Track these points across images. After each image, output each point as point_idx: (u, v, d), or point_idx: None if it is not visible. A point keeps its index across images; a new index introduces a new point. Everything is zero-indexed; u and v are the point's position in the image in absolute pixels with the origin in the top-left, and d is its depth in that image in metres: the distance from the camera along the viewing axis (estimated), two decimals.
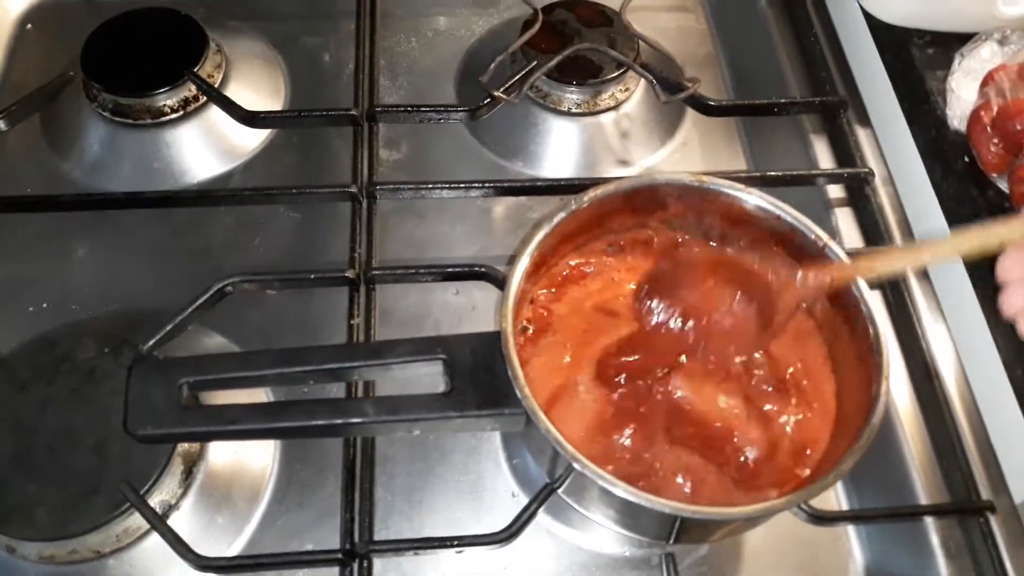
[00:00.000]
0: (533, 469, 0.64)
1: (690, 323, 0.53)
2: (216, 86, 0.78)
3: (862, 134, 0.77)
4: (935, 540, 0.60)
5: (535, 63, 0.76)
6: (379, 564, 0.59)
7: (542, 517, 0.62)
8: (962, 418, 0.63)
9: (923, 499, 0.62)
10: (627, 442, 0.53)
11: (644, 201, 0.58)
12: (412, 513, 0.63)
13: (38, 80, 0.79)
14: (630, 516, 0.54)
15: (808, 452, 0.54)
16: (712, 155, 0.82)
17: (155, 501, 0.58)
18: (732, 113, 0.80)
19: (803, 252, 0.56)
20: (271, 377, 0.51)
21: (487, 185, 0.71)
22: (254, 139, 0.80)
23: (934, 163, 0.70)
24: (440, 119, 0.76)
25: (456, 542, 0.56)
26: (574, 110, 0.80)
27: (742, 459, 0.54)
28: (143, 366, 0.50)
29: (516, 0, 0.81)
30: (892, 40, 0.75)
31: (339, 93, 0.82)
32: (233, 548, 0.61)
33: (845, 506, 0.66)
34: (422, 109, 0.75)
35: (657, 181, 0.57)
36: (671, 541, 0.56)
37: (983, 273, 0.63)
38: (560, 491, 0.55)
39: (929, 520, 0.61)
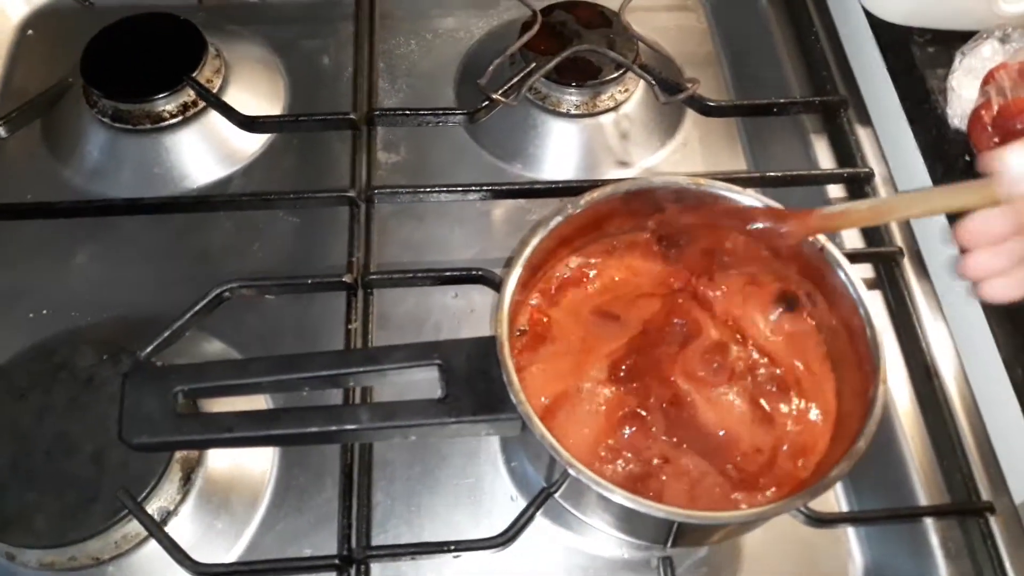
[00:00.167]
0: (531, 473, 0.64)
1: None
2: (215, 91, 0.78)
3: (863, 133, 0.77)
4: (935, 541, 0.60)
5: (534, 65, 0.76)
6: (377, 569, 0.59)
7: (540, 521, 0.61)
8: (962, 418, 0.63)
9: (923, 500, 0.61)
10: (628, 445, 0.53)
11: (641, 204, 0.58)
12: (411, 517, 0.63)
13: (39, 86, 0.80)
14: (626, 520, 0.54)
15: (809, 453, 0.54)
16: (712, 155, 0.82)
17: (154, 507, 0.58)
18: (731, 114, 0.80)
19: (800, 253, 0.56)
20: (266, 384, 0.51)
21: (485, 188, 0.71)
22: (254, 143, 0.80)
23: (935, 162, 0.69)
24: (439, 122, 0.76)
25: (453, 547, 0.56)
26: (573, 111, 0.79)
27: (743, 461, 0.53)
28: (138, 375, 0.50)
29: (516, 2, 0.81)
30: (893, 39, 0.75)
31: (339, 96, 0.83)
32: (232, 553, 0.61)
33: (845, 507, 0.66)
34: (420, 112, 0.75)
35: (653, 184, 0.57)
36: (668, 544, 0.57)
37: None
38: (557, 495, 0.55)
39: (929, 521, 0.61)
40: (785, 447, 0.54)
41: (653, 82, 0.74)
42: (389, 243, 0.74)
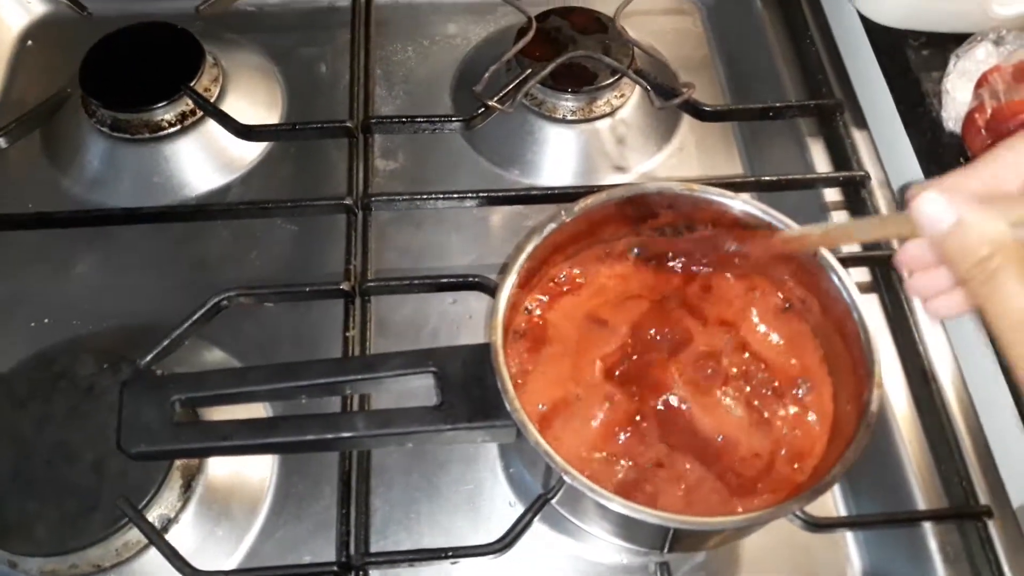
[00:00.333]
0: (530, 479, 0.64)
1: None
2: (213, 99, 0.78)
3: (858, 137, 0.77)
4: (933, 545, 0.60)
5: (529, 71, 0.76)
6: (376, 575, 0.59)
7: (539, 526, 0.62)
8: (960, 422, 0.63)
9: (921, 504, 0.61)
10: (624, 451, 0.54)
11: (635, 209, 0.58)
12: (410, 523, 0.63)
13: (39, 96, 0.80)
14: (622, 526, 0.54)
15: (807, 457, 0.54)
16: (709, 159, 0.82)
17: (155, 515, 0.59)
18: (726, 118, 0.80)
19: (794, 257, 0.56)
20: (263, 393, 0.52)
21: (481, 195, 0.71)
22: (252, 151, 0.80)
23: (930, 165, 0.69)
24: (435, 129, 0.76)
25: (451, 553, 0.57)
26: (570, 117, 0.80)
27: (742, 466, 0.54)
28: (136, 384, 0.51)
29: (512, 8, 0.81)
30: (888, 42, 0.75)
31: (336, 103, 0.83)
32: (232, 560, 0.61)
33: (843, 511, 0.66)
34: (417, 120, 0.75)
35: (647, 190, 0.57)
36: (666, 550, 0.57)
37: None
38: (553, 502, 0.55)
39: (927, 525, 0.60)
40: (783, 451, 0.54)
41: (648, 88, 0.75)
42: (388, 249, 0.75)
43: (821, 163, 0.78)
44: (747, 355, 0.57)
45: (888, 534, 0.63)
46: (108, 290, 0.73)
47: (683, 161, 0.82)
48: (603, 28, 0.81)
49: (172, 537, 0.59)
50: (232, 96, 0.81)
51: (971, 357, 0.64)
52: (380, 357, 0.54)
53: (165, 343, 0.61)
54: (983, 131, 0.64)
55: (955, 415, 0.63)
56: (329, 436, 0.50)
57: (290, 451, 0.62)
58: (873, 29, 0.76)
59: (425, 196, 0.71)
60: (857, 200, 0.73)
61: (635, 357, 0.56)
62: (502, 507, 0.64)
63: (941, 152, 0.68)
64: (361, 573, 0.57)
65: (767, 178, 0.73)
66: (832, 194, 0.75)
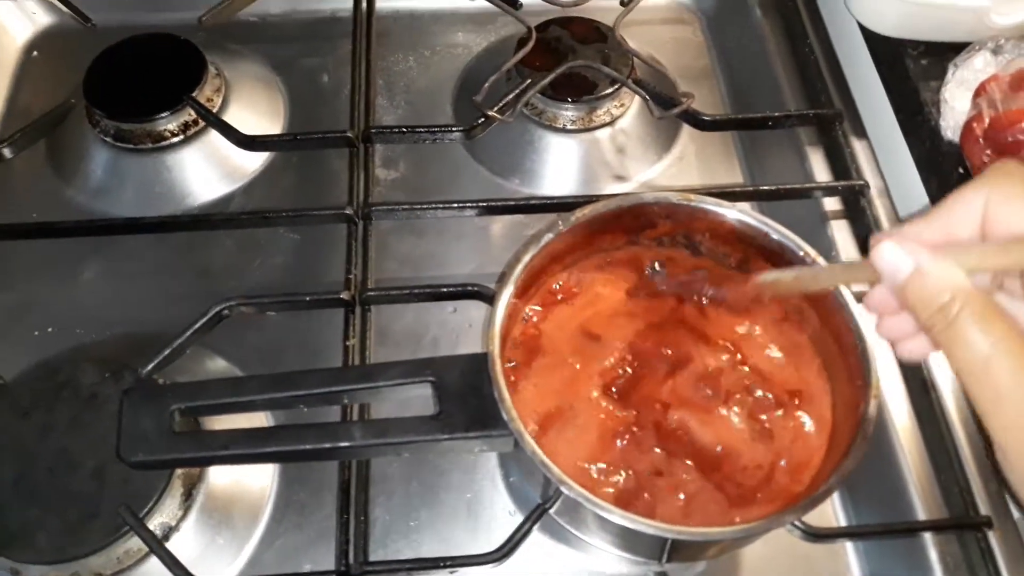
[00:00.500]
0: (529, 488, 0.64)
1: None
2: (216, 109, 0.79)
3: (858, 146, 0.77)
4: (933, 556, 0.60)
5: (529, 81, 0.77)
6: None
7: (538, 536, 0.62)
8: (960, 432, 0.63)
9: (921, 514, 0.61)
10: (622, 461, 0.54)
11: (633, 220, 0.58)
12: (409, 532, 0.63)
13: (43, 106, 0.81)
14: (620, 536, 0.54)
15: (806, 467, 0.54)
16: (708, 169, 0.83)
17: (156, 523, 0.59)
18: (726, 128, 0.80)
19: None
20: (262, 402, 0.52)
21: (481, 204, 0.72)
22: (254, 161, 0.81)
23: (929, 175, 0.70)
24: (435, 139, 0.76)
25: (450, 562, 0.57)
26: (570, 127, 0.80)
27: (742, 476, 0.54)
28: (136, 393, 0.51)
29: (512, 18, 0.81)
30: (887, 51, 0.75)
31: (338, 113, 0.83)
32: (233, 568, 0.61)
33: (843, 521, 0.66)
34: (417, 130, 0.76)
35: (645, 200, 0.57)
36: (664, 560, 0.57)
37: None
38: (551, 511, 0.55)
39: (927, 536, 0.60)
40: (783, 462, 0.54)
41: (648, 97, 0.75)
42: (389, 259, 0.75)
43: (820, 172, 0.78)
44: (745, 367, 0.57)
45: (888, 544, 0.63)
46: (112, 299, 0.73)
47: (683, 170, 0.82)
48: (603, 38, 0.81)
49: (173, 545, 0.59)
50: (234, 106, 0.81)
51: None
52: (378, 367, 0.54)
53: (167, 352, 0.61)
54: (981, 140, 0.64)
55: (955, 425, 0.63)
56: (327, 445, 0.50)
57: (289, 460, 0.62)
58: (872, 38, 0.76)
59: (425, 205, 0.72)
60: (856, 209, 0.73)
61: (633, 370, 0.56)
62: (501, 516, 0.64)
63: (940, 161, 0.68)
64: None
65: (767, 187, 0.73)
66: (832, 203, 0.75)
